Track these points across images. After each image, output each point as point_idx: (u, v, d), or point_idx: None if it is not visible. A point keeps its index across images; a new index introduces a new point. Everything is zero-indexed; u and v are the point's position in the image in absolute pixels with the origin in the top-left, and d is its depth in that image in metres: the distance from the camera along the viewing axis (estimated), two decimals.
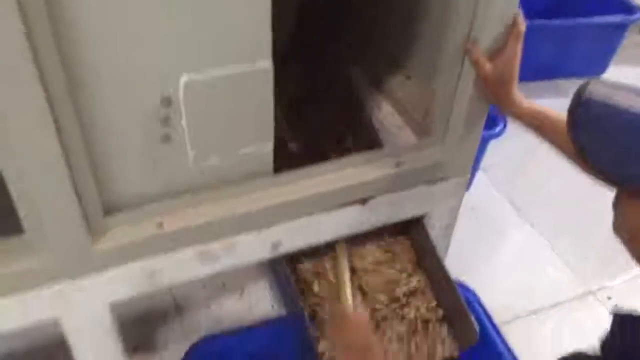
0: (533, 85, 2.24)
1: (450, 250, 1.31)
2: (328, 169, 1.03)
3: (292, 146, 1.22)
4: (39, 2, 0.65)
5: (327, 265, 1.19)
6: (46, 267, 0.86)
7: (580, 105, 0.66)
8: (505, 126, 1.74)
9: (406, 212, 1.15)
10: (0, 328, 0.91)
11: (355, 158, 1.06)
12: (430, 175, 1.11)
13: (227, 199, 0.96)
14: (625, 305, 0.71)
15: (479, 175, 1.96)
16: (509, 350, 1.24)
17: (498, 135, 1.74)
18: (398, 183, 1.08)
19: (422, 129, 1.12)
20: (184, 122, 0.84)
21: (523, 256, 1.78)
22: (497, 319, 1.30)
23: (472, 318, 1.08)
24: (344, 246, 1.18)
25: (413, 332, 1.13)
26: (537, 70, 2.33)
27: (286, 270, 1.16)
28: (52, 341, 1.22)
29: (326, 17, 1.41)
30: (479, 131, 1.10)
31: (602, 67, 2.51)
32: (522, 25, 0.92)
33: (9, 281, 0.86)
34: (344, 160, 1.05)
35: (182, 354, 1.19)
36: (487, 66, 0.95)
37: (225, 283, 1.58)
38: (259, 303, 1.56)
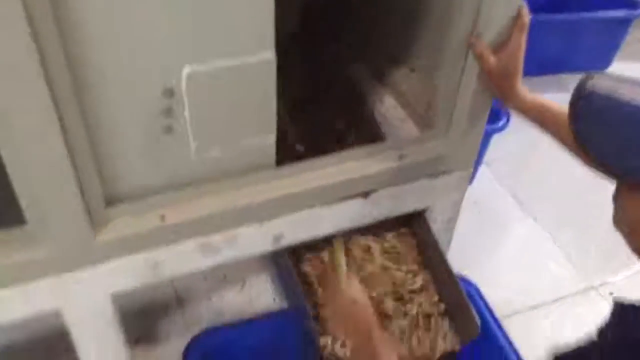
0: (537, 79, 2.23)
1: (453, 244, 1.31)
2: (330, 162, 1.02)
3: (297, 147, 1.21)
4: None
5: (327, 258, 1.18)
6: (48, 258, 0.86)
7: (581, 98, 0.66)
8: (508, 120, 1.74)
9: (408, 206, 1.15)
10: (2, 319, 0.91)
11: (357, 151, 1.05)
12: (433, 169, 1.10)
13: (228, 191, 0.96)
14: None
15: (482, 169, 1.96)
16: (510, 344, 1.24)
17: (501, 129, 1.74)
18: (400, 176, 1.08)
19: (425, 122, 1.12)
20: (186, 113, 0.83)
21: (525, 250, 1.78)
22: (498, 313, 1.30)
23: (474, 312, 1.08)
24: (341, 240, 1.18)
25: (415, 327, 1.13)
26: (541, 64, 2.32)
27: (288, 263, 1.16)
28: (53, 332, 1.23)
29: (328, 14, 1.41)
30: (482, 125, 1.10)
31: (606, 62, 2.51)
32: (527, 17, 0.92)
33: (11, 272, 0.86)
34: (346, 153, 1.05)
35: (184, 346, 1.19)
36: (491, 59, 0.94)
37: (226, 276, 1.58)
38: (260, 296, 1.56)
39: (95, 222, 0.86)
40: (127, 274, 0.95)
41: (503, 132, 1.74)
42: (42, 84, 0.69)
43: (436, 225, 1.20)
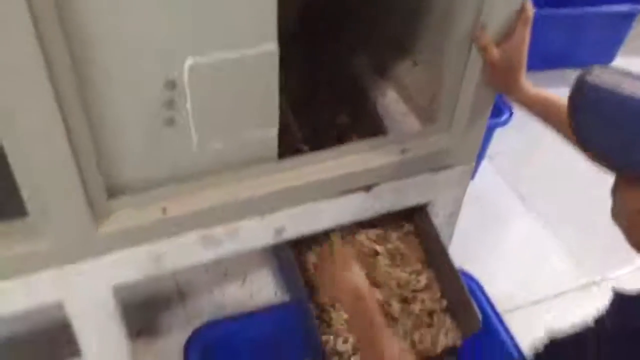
0: (540, 74, 2.22)
1: (454, 238, 1.30)
2: (332, 156, 1.02)
3: (299, 141, 1.21)
4: None
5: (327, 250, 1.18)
6: (50, 250, 0.86)
7: (580, 91, 0.67)
8: (511, 115, 1.73)
9: (410, 200, 1.15)
10: (4, 311, 0.92)
11: (359, 145, 1.05)
12: (435, 163, 1.10)
13: (230, 184, 0.96)
14: None
15: (484, 163, 1.96)
16: (511, 339, 1.24)
17: (504, 124, 1.73)
18: (403, 170, 1.07)
19: (427, 115, 1.12)
20: (188, 105, 0.83)
21: (527, 246, 1.78)
22: (499, 308, 1.30)
23: (475, 306, 1.08)
24: (338, 235, 1.17)
25: (418, 324, 1.13)
26: (544, 59, 2.31)
27: (290, 257, 1.15)
28: (55, 324, 1.23)
29: (329, 9, 1.40)
30: (485, 119, 1.09)
31: (610, 57, 2.50)
32: (531, 10, 0.91)
33: (13, 264, 0.86)
34: (349, 147, 1.04)
35: (185, 339, 1.19)
36: (495, 52, 0.94)
37: (227, 271, 1.58)
38: (262, 290, 1.56)
39: (97, 214, 0.86)
40: (129, 266, 0.95)
41: (506, 127, 1.74)
42: (44, 74, 0.69)
43: (438, 220, 1.20)
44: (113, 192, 0.88)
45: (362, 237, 1.20)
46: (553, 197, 1.93)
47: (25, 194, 0.79)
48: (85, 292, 0.95)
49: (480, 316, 1.08)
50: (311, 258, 1.17)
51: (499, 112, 1.72)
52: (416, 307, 1.13)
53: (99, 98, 0.78)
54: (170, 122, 0.84)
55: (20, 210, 0.81)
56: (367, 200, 1.08)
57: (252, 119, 0.91)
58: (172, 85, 0.80)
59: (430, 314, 1.14)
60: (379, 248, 1.19)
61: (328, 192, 1.03)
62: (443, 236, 1.18)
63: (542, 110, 0.94)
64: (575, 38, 2.39)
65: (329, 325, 1.08)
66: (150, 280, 1.00)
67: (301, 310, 1.12)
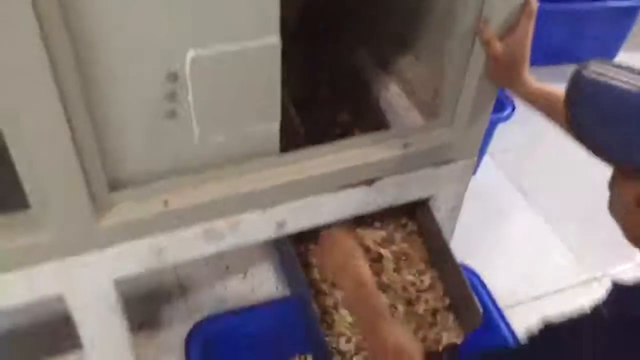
0: (542, 69, 2.22)
1: (456, 234, 1.30)
2: (334, 150, 1.02)
3: (301, 135, 1.20)
4: None
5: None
6: (51, 242, 0.86)
7: (577, 85, 0.67)
8: (513, 110, 1.73)
9: (412, 194, 1.14)
10: (6, 303, 0.92)
11: (362, 139, 1.05)
12: (438, 157, 1.10)
13: (232, 177, 0.96)
14: None
15: (486, 159, 1.95)
16: (512, 334, 1.24)
17: (506, 119, 1.73)
18: (405, 164, 1.07)
19: (430, 110, 1.11)
20: (190, 97, 0.83)
21: (528, 241, 1.77)
22: (500, 303, 1.30)
23: (477, 302, 1.08)
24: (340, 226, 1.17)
25: (422, 325, 1.12)
26: (547, 54, 2.30)
27: (291, 251, 1.15)
28: (57, 317, 1.23)
29: (331, 8, 1.39)
30: (488, 113, 1.09)
31: (613, 52, 2.49)
32: (534, 4, 0.91)
33: (14, 256, 0.86)
34: (351, 141, 1.04)
35: (186, 332, 1.19)
36: (499, 46, 0.93)
37: (229, 266, 1.58)
38: (263, 285, 1.56)
39: (98, 207, 0.86)
40: (130, 259, 0.95)
41: (508, 122, 1.73)
42: (46, 66, 0.68)
43: (440, 214, 1.19)
44: (115, 184, 0.88)
45: (368, 241, 1.20)
46: (555, 192, 1.93)
47: (27, 186, 0.79)
48: (87, 285, 0.95)
49: (481, 312, 1.07)
50: (312, 249, 1.17)
51: (501, 107, 1.72)
52: (420, 308, 1.13)
53: (100, 90, 0.78)
54: (172, 114, 0.84)
55: (22, 203, 0.81)
56: (369, 195, 1.08)
57: (254, 112, 0.91)
58: (174, 77, 0.80)
59: (434, 313, 1.13)
60: (383, 252, 1.19)
61: (330, 186, 1.03)
62: (445, 231, 1.18)
63: (546, 105, 0.94)
64: (578, 33, 2.38)
65: (331, 327, 1.08)
66: (152, 274, 1.00)
67: (301, 304, 1.12)
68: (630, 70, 0.65)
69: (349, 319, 1.08)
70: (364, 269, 1.04)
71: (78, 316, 0.99)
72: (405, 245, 1.21)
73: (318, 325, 1.06)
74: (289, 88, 1.21)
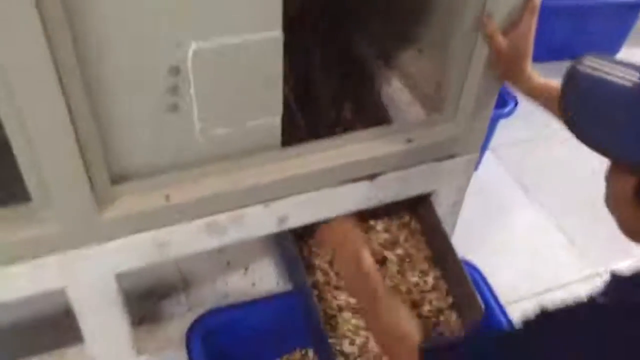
0: (545, 65, 2.22)
1: (458, 229, 1.30)
2: (337, 144, 1.02)
3: (303, 129, 1.20)
4: None
5: None
6: (53, 235, 0.86)
7: (572, 80, 0.68)
8: (515, 106, 1.72)
9: (414, 189, 1.14)
10: (8, 296, 0.92)
11: (364, 134, 1.05)
12: (440, 152, 1.10)
13: (233, 172, 0.95)
14: None
15: (488, 154, 1.95)
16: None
17: (508, 114, 1.73)
18: (407, 160, 1.07)
19: (432, 104, 1.11)
20: (192, 91, 0.83)
21: (530, 237, 1.78)
22: (502, 299, 1.30)
23: (479, 298, 1.08)
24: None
25: (426, 325, 1.12)
26: (549, 50, 2.30)
27: (292, 246, 1.15)
28: (58, 310, 1.23)
29: (331, 7, 1.39)
30: (490, 108, 1.09)
31: (616, 48, 2.49)
32: None
33: (16, 249, 0.86)
34: (353, 135, 1.04)
35: (188, 327, 1.19)
36: (502, 40, 0.93)
37: (230, 261, 1.58)
38: (264, 280, 1.56)
39: (100, 200, 0.86)
40: (132, 252, 0.95)
41: (510, 118, 1.73)
42: (49, 63, 0.68)
43: (441, 209, 1.19)
44: (116, 178, 0.87)
45: (373, 244, 1.19)
46: (556, 188, 1.93)
47: (28, 179, 0.79)
48: (89, 278, 0.95)
49: (483, 308, 1.07)
50: (312, 243, 1.17)
51: (503, 103, 1.72)
52: (425, 309, 1.12)
53: (102, 84, 0.77)
54: (174, 108, 0.84)
55: (24, 196, 0.81)
56: (371, 190, 1.08)
57: (255, 105, 0.91)
58: (176, 71, 0.80)
59: (437, 313, 1.13)
60: (387, 254, 1.18)
61: (332, 181, 1.03)
62: (446, 226, 1.17)
63: (548, 100, 0.94)
64: (580, 29, 2.38)
65: (335, 329, 1.08)
66: (153, 268, 1.00)
67: (302, 299, 1.12)
68: (626, 65, 0.65)
69: (353, 321, 1.08)
70: (364, 248, 1.05)
71: (79, 309, 0.99)
72: (408, 245, 1.20)
73: (319, 316, 1.06)
74: (290, 82, 1.22)
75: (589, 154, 0.70)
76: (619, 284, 0.68)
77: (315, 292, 1.10)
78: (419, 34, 1.15)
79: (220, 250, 1.36)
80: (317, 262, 1.16)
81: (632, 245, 0.73)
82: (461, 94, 1.03)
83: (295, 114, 1.18)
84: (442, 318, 1.12)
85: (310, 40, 1.33)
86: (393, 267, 1.16)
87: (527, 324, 0.70)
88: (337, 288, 1.13)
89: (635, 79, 0.63)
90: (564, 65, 0.71)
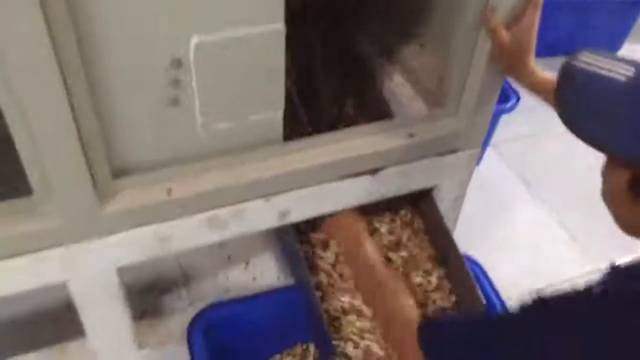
0: (547, 61, 2.21)
1: (459, 225, 1.30)
2: (338, 139, 1.02)
3: (305, 124, 1.20)
4: None
5: None
6: (55, 229, 0.86)
7: (568, 75, 0.67)
8: (517, 101, 1.72)
9: (416, 184, 1.14)
10: (10, 290, 0.92)
11: (366, 128, 1.04)
12: (442, 147, 1.10)
13: (235, 166, 0.95)
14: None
15: (490, 150, 1.95)
16: None
17: (510, 110, 1.73)
18: (409, 154, 1.07)
19: (434, 99, 1.11)
20: (194, 84, 0.82)
21: (532, 232, 1.77)
22: (503, 295, 1.30)
23: (480, 293, 1.08)
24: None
25: None
26: (551, 46, 2.29)
27: (293, 241, 1.15)
28: (60, 304, 1.23)
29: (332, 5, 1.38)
30: (493, 103, 1.09)
31: (618, 44, 2.48)
32: None
33: (17, 243, 0.86)
34: (355, 130, 1.04)
35: (189, 321, 1.19)
36: (505, 35, 0.93)
37: (230, 255, 1.58)
38: (265, 274, 1.56)
39: (102, 194, 0.86)
40: (134, 246, 0.95)
41: (511, 113, 1.73)
42: (51, 57, 0.68)
43: (443, 204, 1.19)
44: (118, 172, 0.87)
45: (377, 241, 1.19)
46: (558, 184, 1.93)
47: (30, 172, 0.79)
48: (90, 272, 0.95)
49: (484, 302, 1.07)
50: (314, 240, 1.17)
51: (505, 98, 1.71)
52: (429, 309, 1.12)
53: (104, 77, 0.77)
54: (176, 101, 0.84)
55: (26, 189, 0.81)
56: (373, 184, 1.07)
57: (257, 99, 0.90)
58: (178, 64, 0.80)
59: (441, 312, 1.13)
60: (392, 255, 1.18)
61: (333, 176, 1.03)
62: (448, 221, 1.17)
63: (551, 95, 0.93)
64: (583, 25, 2.37)
65: (339, 331, 1.08)
66: (155, 262, 1.00)
67: (303, 293, 1.12)
68: (621, 59, 0.65)
69: (358, 324, 1.08)
70: (368, 238, 1.06)
71: (81, 303, 0.99)
72: (411, 245, 1.20)
73: (320, 311, 1.06)
74: (292, 77, 1.21)
75: (590, 150, 0.70)
76: (617, 274, 0.68)
77: (319, 294, 1.10)
78: (421, 29, 1.15)
79: (221, 245, 1.36)
80: (320, 263, 1.15)
81: (633, 241, 0.73)
82: (463, 89, 1.03)
83: (298, 108, 1.18)
84: None
85: (313, 34, 1.33)
86: (397, 269, 1.16)
87: (524, 309, 0.70)
88: (340, 289, 1.12)
89: (629, 73, 0.63)
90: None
